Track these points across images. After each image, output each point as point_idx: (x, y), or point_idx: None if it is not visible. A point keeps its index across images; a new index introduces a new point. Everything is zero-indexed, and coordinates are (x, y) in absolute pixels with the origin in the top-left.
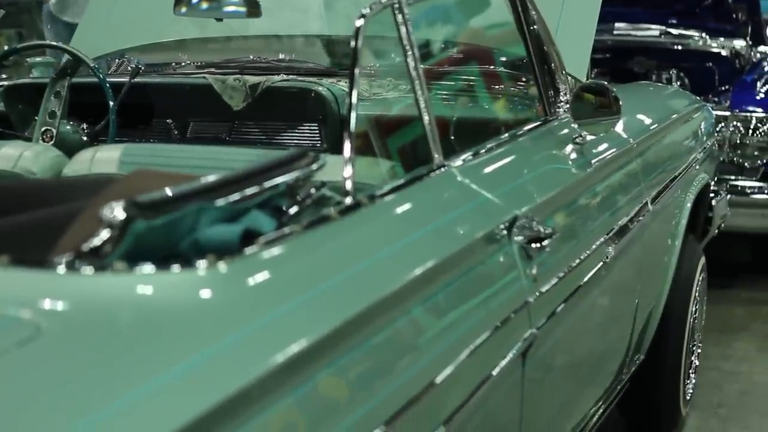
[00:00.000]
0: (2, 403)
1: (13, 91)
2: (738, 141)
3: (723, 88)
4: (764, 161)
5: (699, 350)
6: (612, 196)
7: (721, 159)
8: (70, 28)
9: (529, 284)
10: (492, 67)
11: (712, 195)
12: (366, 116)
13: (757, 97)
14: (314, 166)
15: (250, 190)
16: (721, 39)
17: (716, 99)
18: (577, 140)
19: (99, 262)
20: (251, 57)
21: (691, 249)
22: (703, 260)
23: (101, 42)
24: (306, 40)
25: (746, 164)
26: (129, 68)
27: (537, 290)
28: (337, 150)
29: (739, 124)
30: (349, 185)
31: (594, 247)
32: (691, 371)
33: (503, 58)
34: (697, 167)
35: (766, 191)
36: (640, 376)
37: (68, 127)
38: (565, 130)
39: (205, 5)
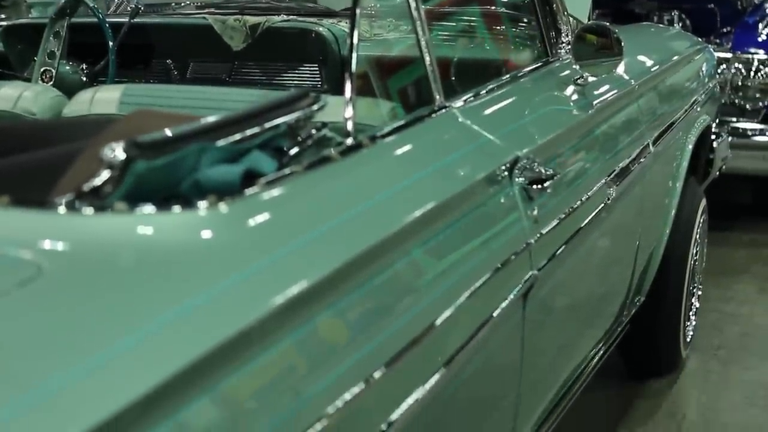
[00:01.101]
0: (2, 344)
1: (12, 32)
2: (739, 83)
3: (725, 30)
4: (765, 103)
5: (699, 292)
6: (613, 137)
7: (723, 101)
8: None
9: (530, 226)
10: (493, 7)
11: (713, 137)
12: (367, 57)
13: (759, 39)
14: (315, 107)
15: (250, 131)
16: None
17: (718, 41)
18: (579, 81)
19: (99, 203)
20: None
21: (692, 191)
22: (704, 202)
23: None
24: None
25: (748, 106)
26: (128, 8)
27: (538, 232)
28: (338, 91)
29: (740, 65)
30: (349, 126)
31: (595, 188)
32: (691, 313)
33: None
34: (699, 109)
35: (767, 133)
36: (640, 318)
37: (67, 68)
38: (567, 72)
39: None
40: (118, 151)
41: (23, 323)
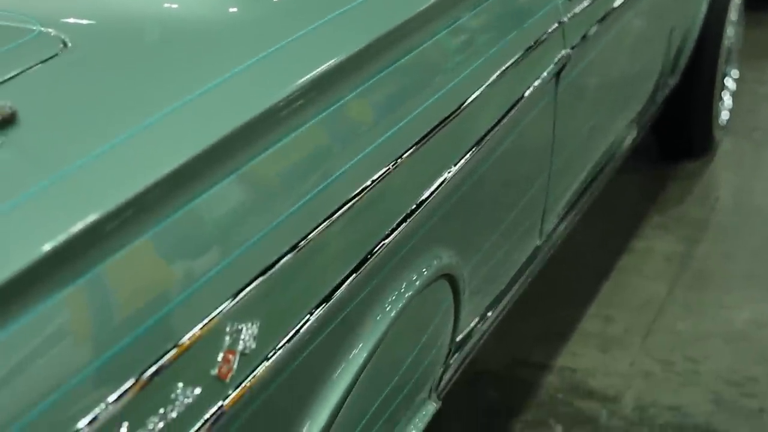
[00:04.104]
0: (29, 121)
1: None
2: None
3: None
4: None
5: (735, 74)
6: None
7: None
8: None
9: (564, 3)
10: None
11: None
12: None
13: None
14: None
15: None
16: None
17: None
18: None
19: None
20: None
21: None
22: None
23: None
24: None
25: None
26: None
27: (571, 10)
28: None
29: None
30: None
31: None
32: (724, 94)
33: None
34: None
35: None
36: (674, 99)
37: None
38: None
39: None
40: None
41: (47, 100)
